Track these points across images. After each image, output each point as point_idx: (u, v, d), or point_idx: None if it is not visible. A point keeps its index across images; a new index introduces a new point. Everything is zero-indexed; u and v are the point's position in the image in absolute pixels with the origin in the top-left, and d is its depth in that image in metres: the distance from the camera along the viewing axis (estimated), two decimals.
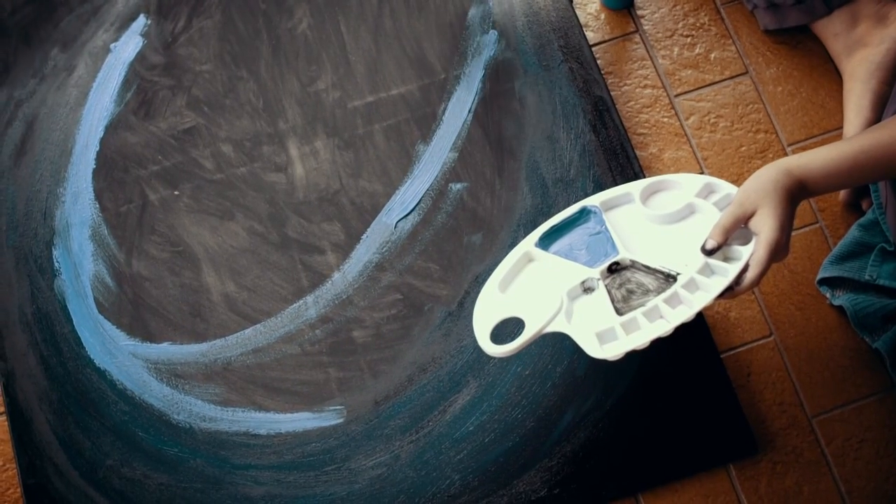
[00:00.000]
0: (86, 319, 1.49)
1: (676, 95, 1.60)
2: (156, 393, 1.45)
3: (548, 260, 1.32)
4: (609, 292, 1.26)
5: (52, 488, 1.41)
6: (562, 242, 1.33)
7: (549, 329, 1.25)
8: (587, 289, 1.28)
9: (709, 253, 1.23)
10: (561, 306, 1.26)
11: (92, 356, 1.47)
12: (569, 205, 1.44)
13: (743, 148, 1.56)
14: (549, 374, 1.42)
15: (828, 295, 1.49)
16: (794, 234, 1.49)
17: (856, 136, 1.23)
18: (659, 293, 1.24)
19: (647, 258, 1.27)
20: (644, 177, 1.50)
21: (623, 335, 1.21)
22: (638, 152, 1.55)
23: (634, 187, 1.33)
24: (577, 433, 1.40)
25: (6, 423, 1.46)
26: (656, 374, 1.42)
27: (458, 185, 1.52)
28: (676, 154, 1.56)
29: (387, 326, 1.46)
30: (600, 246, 1.30)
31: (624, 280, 1.27)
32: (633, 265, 1.27)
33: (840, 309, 1.48)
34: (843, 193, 1.53)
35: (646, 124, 1.58)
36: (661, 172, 1.55)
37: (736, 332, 1.48)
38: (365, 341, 1.46)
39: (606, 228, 1.31)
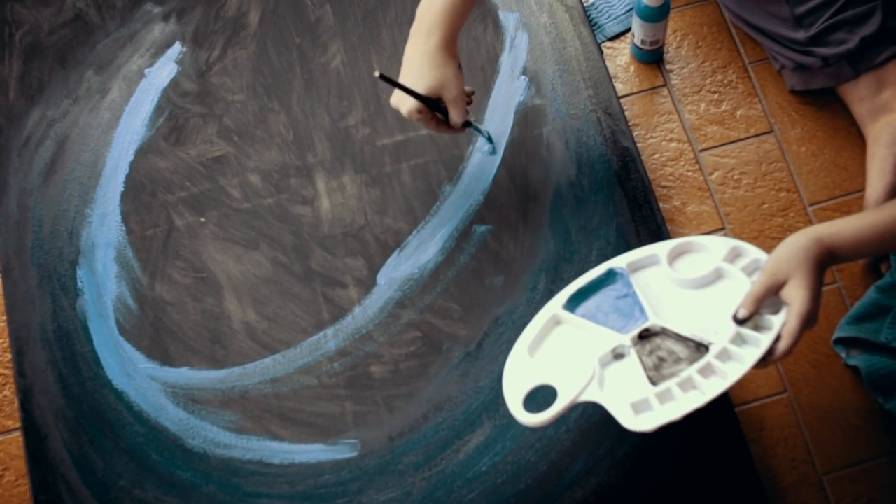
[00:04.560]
0: (106, 340, 1.50)
1: (701, 150, 1.61)
2: (172, 417, 1.46)
3: (576, 323, 1.31)
4: (640, 359, 1.25)
5: None
6: (589, 305, 1.32)
7: (583, 398, 1.23)
8: (618, 355, 1.27)
9: (741, 322, 1.22)
10: (593, 374, 1.24)
11: (110, 377, 1.48)
12: (591, 252, 1.45)
13: (765, 205, 1.58)
14: (563, 418, 1.43)
15: (843, 355, 1.50)
16: None
17: (885, 207, 1.24)
18: (691, 362, 1.22)
19: (676, 324, 1.26)
20: (666, 229, 1.51)
21: (658, 406, 1.20)
22: (661, 204, 1.57)
23: (661, 249, 1.33)
24: (589, 479, 1.41)
25: (21, 438, 1.47)
26: (670, 424, 1.42)
27: (483, 228, 1.53)
28: (699, 208, 1.58)
29: (405, 363, 1.47)
30: (628, 309, 1.30)
31: (654, 347, 1.26)
32: (664, 332, 1.26)
33: (855, 369, 1.49)
34: None
35: (670, 177, 1.60)
36: (683, 225, 1.56)
37: (750, 386, 1.49)
38: (382, 377, 1.46)
39: (634, 291, 1.31)
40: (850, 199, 1.59)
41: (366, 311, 1.50)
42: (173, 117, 1.62)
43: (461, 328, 1.48)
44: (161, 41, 1.67)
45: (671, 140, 1.62)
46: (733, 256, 1.30)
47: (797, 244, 1.21)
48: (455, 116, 1.38)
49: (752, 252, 1.30)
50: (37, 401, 1.47)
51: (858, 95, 1.59)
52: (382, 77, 1.33)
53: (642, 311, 1.29)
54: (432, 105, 1.36)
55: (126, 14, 1.70)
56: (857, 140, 1.62)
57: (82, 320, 1.51)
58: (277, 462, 1.43)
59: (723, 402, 1.44)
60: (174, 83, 1.65)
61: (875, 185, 1.54)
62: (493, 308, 1.49)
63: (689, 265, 1.33)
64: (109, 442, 1.45)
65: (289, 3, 1.69)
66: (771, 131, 1.63)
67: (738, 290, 1.26)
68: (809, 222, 1.57)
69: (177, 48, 1.67)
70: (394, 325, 1.49)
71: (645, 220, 1.52)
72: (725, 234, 1.56)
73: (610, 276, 1.33)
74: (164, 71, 1.66)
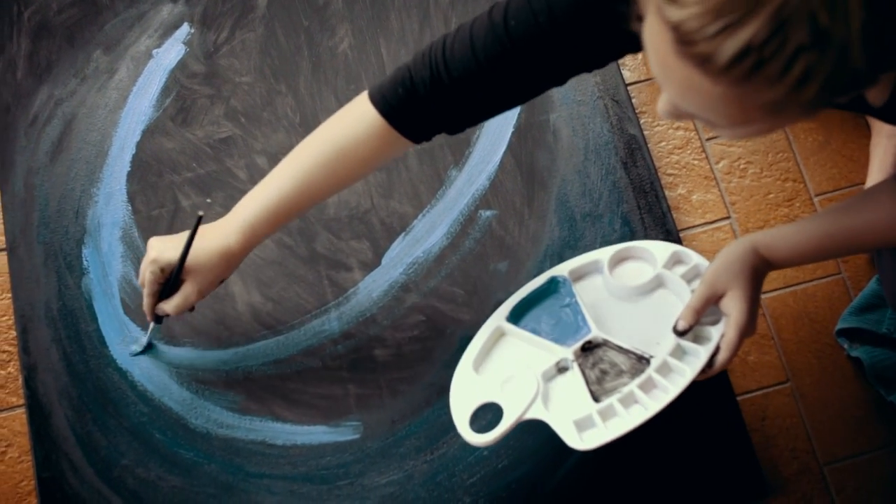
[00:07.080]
0: (111, 319, 1.50)
1: (708, 139, 1.61)
2: (175, 396, 1.46)
3: (519, 336, 1.31)
4: (583, 373, 1.25)
5: (66, 483, 1.42)
6: (532, 316, 1.32)
7: (528, 416, 1.22)
8: (562, 368, 1.27)
9: (680, 334, 1.22)
10: (537, 391, 1.23)
11: (115, 356, 1.48)
12: (595, 239, 1.45)
13: (771, 195, 1.58)
14: None
15: (845, 346, 1.50)
16: (817, 283, 1.52)
17: (823, 217, 1.22)
18: (633, 375, 1.23)
19: (619, 335, 1.27)
20: (671, 217, 1.52)
21: (601, 423, 1.19)
22: (667, 192, 1.57)
23: (603, 255, 1.33)
24: (589, 466, 1.41)
25: (25, 415, 1.47)
26: (672, 412, 1.42)
27: (488, 213, 1.53)
28: (704, 197, 1.58)
29: (408, 347, 1.47)
30: (571, 320, 1.30)
31: (597, 359, 1.26)
32: (606, 343, 1.27)
33: (857, 360, 1.49)
34: None
35: (676, 165, 1.60)
36: (688, 213, 1.56)
37: (753, 376, 1.49)
38: (386, 360, 1.47)
39: (576, 301, 1.31)
40: (855, 189, 1.58)
41: (370, 294, 1.50)
42: (180, 98, 1.62)
43: (465, 312, 1.49)
44: (169, 22, 1.67)
45: (678, 128, 1.62)
46: (674, 262, 1.31)
47: (734, 254, 1.21)
48: (176, 299, 1.30)
49: (694, 258, 1.30)
50: (41, 378, 1.48)
51: None
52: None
53: (585, 321, 1.29)
54: (174, 275, 1.28)
55: None
56: (863, 131, 1.61)
57: (87, 299, 1.51)
58: (280, 443, 1.44)
59: (725, 391, 1.44)
60: (182, 64, 1.65)
61: (875, 176, 1.54)
62: (497, 293, 1.49)
63: (631, 271, 1.33)
64: (113, 420, 1.45)
65: None
66: None
67: (678, 298, 1.27)
68: (815, 212, 1.57)
69: (185, 29, 1.67)
70: (398, 309, 1.49)
71: (650, 208, 1.52)
72: (731, 223, 1.56)
73: (553, 285, 1.33)
74: (171, 52, 1.66)
